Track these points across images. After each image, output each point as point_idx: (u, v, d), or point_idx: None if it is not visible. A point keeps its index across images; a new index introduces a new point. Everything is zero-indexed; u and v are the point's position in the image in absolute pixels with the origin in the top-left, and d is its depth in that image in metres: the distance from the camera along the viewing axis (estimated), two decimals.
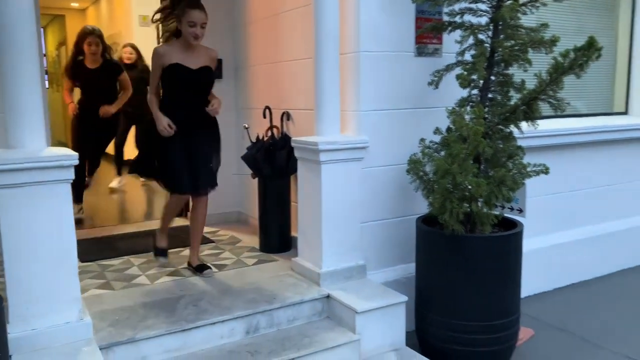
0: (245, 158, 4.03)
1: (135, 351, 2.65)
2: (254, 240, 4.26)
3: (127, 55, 6.80)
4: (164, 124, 3.26)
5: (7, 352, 2.34)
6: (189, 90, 3.37)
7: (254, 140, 4.14)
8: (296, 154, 3.44)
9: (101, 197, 6.48)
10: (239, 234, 4.55)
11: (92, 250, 4.08)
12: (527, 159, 3.19)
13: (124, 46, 7.00)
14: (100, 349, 2.50)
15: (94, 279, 3.47)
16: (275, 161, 3.89)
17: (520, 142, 3.24)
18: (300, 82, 3.91)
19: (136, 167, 3.78)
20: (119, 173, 7.09)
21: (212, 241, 4.35)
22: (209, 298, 3.12)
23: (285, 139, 3.90)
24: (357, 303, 3.05)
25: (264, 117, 4.16)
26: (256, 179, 4.09)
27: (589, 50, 2.69)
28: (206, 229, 4.64)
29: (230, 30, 4.84)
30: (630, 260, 4.92)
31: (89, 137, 5.13)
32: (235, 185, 4.91)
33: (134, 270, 3.64)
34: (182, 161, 3.35)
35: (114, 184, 7.04)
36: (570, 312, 4.04)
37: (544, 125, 3.97)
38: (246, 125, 4.42)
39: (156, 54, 3.34)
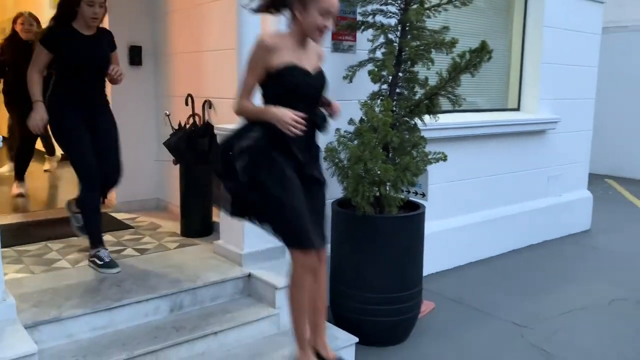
0: (167, 145, 4.12)
1: (61, 329, 2.72)
2: (174, 226, 4.36)
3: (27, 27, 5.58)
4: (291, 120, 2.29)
5: None
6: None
7: (175, 127, 4.24)
8: (219, 141, 3.59)
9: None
10: (159, 220, 4.62)
11: (6, 236, 4.01)
12: (430, 148, 3.55)
13: (19, 16, 5.62)
14: (25, 328, 2.56)
15: (12, 264, 3.45)
16: (197, 148, 4.01)
17: (424, 134, 3.60)
18: (222, 72, 4.05)
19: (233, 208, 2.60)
20: (51, 154, 6.96)
21: (132, 227, 4.40)
22: (132, 279, 3.22)
23: (207, 126, 4.03)
24: (277, 280, 3.27)
25: (187, 104, 4.26)
26: (177, 166, 4.20)
27: (482, 52, 3.07)
28: (124, 216, 4.71)
29: (151, 18, 4.87)
30: (519, 241, 5.49)
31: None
32: (154, 173, 4.97)
33: (53, 255, 3.64)
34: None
35: (47, 166, 6.95)
36: (467, 286, 4.50)
37: (445, 118, 4.38)
38: (167, 113, 4.49)
39: (264, 46, 2.34)
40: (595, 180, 8.45)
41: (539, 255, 5.32)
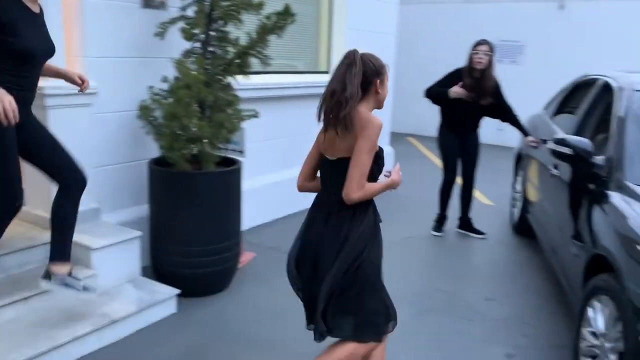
0: None
1: None
2: None
3: None
4: None
5: None
6: None
7: None
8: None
9: None
10: None
11: None
12: (246, 108, 3.71)
13: None
14: None
15: None
16: None
17: (239, 94, 3.74)
18: None
19: None
20: None
21: None
22: None
23: None
24: (92, 241, 3.23)
25: None
26: None
27: (286, 15, 3.28)
28: None
29: None
30: None
31: None
32: None
33: None
34: None
35: None
36: (285, 236, 4.76)
37: (258, 79, 4.58)
38: None
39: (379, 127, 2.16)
40: (399, 139, 9.44)
41: None
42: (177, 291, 3.38)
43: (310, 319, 2.36)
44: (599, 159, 3.10)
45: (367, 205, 2.26)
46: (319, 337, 2.28)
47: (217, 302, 3.57)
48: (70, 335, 2.79)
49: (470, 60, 4.64)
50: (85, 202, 3.49)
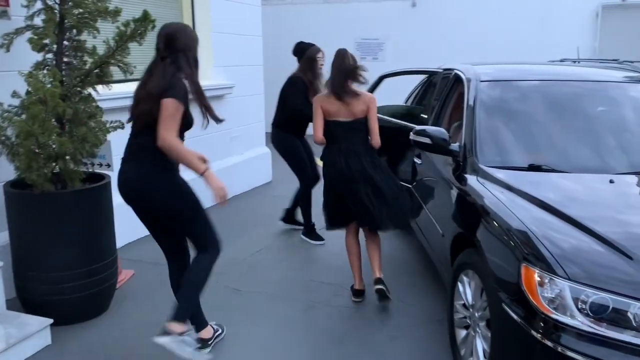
0: None
1: None
2: None
3: None
4: None
5: None
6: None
7: None
8: None
9: None
10: None
11: None
12: (110, 118, 3.53)
13: None
14: None
15: None
16: None
17: (100, 104, 3.56)
18: None
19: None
20: None
21: None
22: None
23: None
24: None
25: None
26: None
27: (145, 21, 3.18)
28: None
29: None
30: (209, 200, 5.88)
31: None
32: None
33: None
34: None
35: None
36: None
37: (121, 88, 4.38)
38: None
39: None
40: None
41: (229, 209, 5.75)
42: (49, 321, 3.14)
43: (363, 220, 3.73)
44: (454, 146, 3.38)
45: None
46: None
47: (97, 326, 3.38)
48: None
49: (316, 65, 4.72)
50: None
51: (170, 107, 2.66)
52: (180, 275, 3.07)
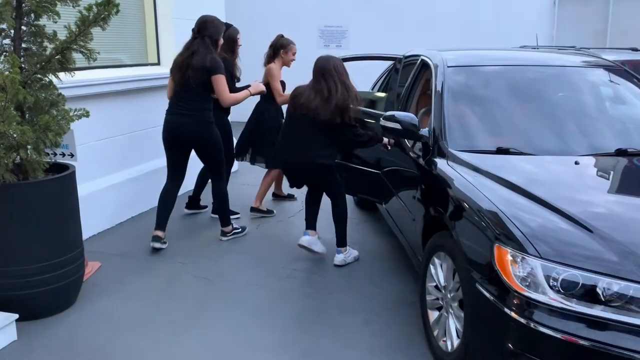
0: None
1: None
2: None
3: None
4: None
5: None
6: None
7: None
8: None
9: None
10: None
11: None
12: (73, 106, 3.41)
13: None
14: None
15: None
16: None
17: (63, 92, 3.43)
18: None
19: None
20: None
21: None
22: None
23: None
24: None
25: None
26: None
27: (108, 5, 3.08)
28: None
29: None
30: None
31: None
32: None
33: None
34: None
35: None
36: (131, 240, 4.60)
37: (84, 75, 4.26)
38: None
39: None
40: (239, 127, 9.40)
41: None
42: (14, 316, 3.04)
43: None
44: (424, 131, 3.41)
45: None
46: None
47: (64, 320, 3.29)
48: None
49: (236, 46, 4.85)
50: None
51: (221, 80, 4.16)
52: (173, 191, 4.45)
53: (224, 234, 4.60)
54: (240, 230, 4.72)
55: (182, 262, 4.18)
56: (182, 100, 4.18)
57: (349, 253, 4.18)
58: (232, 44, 4.85)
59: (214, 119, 4.31)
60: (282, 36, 5.22)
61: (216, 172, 4.48)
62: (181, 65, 4.12)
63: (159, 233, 4.30)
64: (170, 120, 4.26)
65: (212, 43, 4.14)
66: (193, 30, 4.19)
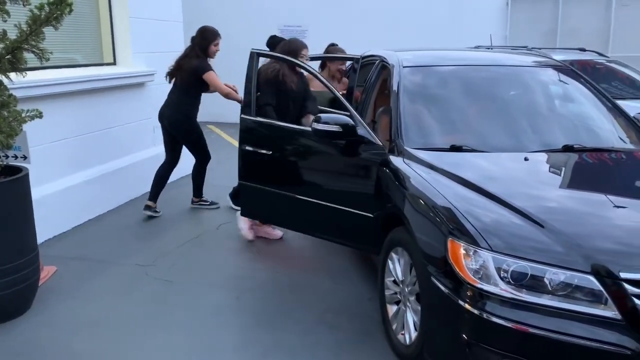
0: None
1: None
2: None
3: None
4: None
5: None
6: None
7: None
8: None
9: None
10: None
11: None
12: (25, 107, 3.33)
13: None
14: None
15: None
16: None
17: (14, 92, 3.34)
18: None
19: None
20: None
21: None
22: None
23: None
24: None
25: None
26: None
27: (61, 5, 3.02)
28: None
29: None
30: (134, 192, 5.70)
31: None
32: None
33: None
34: None
35: None
36: (88, 244, 4.52)
37: (38, 75, 4.16)
38: None
39: None
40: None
41: (159, 199, 5.66)
42: None
43: None
44: (362, 131, 3.38)
45: None
46: None
47: (19, 326, 3.21)
48: None
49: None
50: None
51: (211, 76, 4.96)
52: (166, 168, 5.25)
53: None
54: (209, 203, 5.54)
55: (141, 264, 4.13)
56: (170, 95, 5.10)
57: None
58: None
59: (191, 114, 5.10)
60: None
61: (195, 154, 5.34)
62: (175, 67, 5.03)
63: (149, 203, 5.14)
64: (160, 109, 5.13)
65: (200, 49, 4.95)
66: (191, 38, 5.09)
